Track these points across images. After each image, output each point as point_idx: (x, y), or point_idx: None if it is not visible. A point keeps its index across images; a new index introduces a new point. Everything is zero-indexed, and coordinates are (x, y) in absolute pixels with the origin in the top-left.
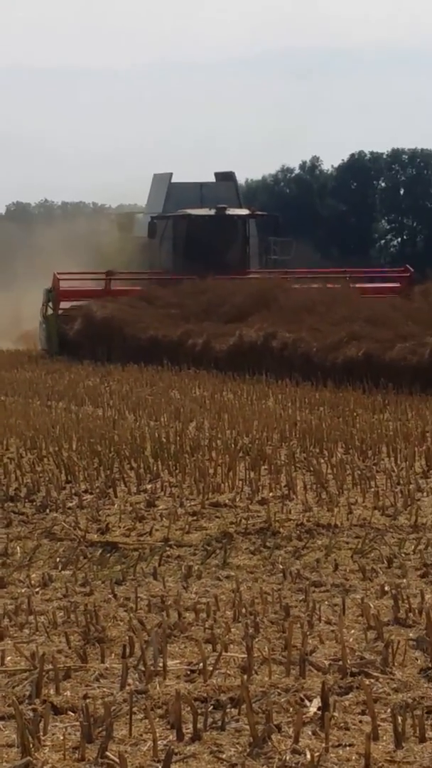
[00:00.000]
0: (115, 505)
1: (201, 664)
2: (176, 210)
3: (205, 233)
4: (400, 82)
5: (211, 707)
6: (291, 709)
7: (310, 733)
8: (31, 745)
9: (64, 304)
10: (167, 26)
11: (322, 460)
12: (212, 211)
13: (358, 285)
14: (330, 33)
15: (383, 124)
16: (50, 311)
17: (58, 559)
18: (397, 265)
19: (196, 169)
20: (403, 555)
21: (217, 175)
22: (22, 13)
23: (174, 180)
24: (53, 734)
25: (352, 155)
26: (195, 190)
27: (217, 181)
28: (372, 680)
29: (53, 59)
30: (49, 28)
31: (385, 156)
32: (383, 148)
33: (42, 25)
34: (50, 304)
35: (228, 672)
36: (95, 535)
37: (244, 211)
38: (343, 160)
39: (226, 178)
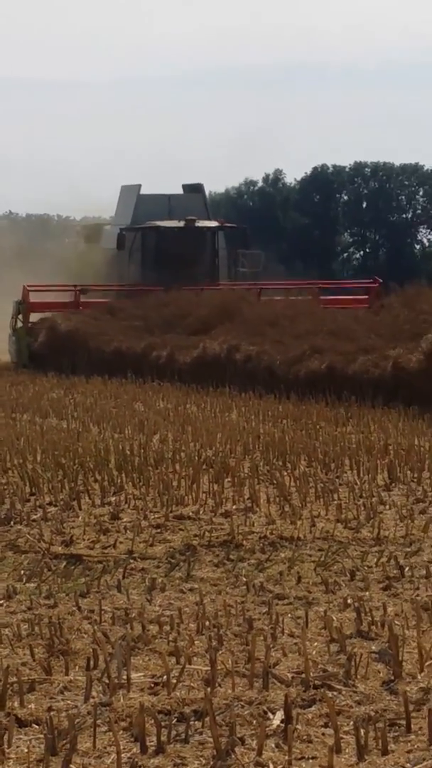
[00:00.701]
0: (80, 518)
1: (165, 677)
2: (145, 222)
3: (174, 245)
4: (363, 97)
5: (175, 720)
6: (254, 721)
7: (273, 745)
8: None
9: (34, 317)
10: (130, 41)
11: (285, 473)
12: (181, 223)
13: (328, 297)
14: (293, 49)
15: (346, 138)
16: (20, 323)
17: (22, 572)
18: (360, 277)
19: (162, 182)
20: (365, 568)
21: (185, 187)
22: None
23: (142, 192)
24: (17, 747)
25: (315, 168)
26: (163, 201)
27: (185, 193)
28: (335, 693)
29: (15, 70)
30: (12, 40)
31: (347, 169)
32: (346, 161)
33: (5, 37)
34: (20, 316)
35: (192, 684)
36: (59, 548)
37: (213, 223)
38: (306, 173)
39: (194, 189)
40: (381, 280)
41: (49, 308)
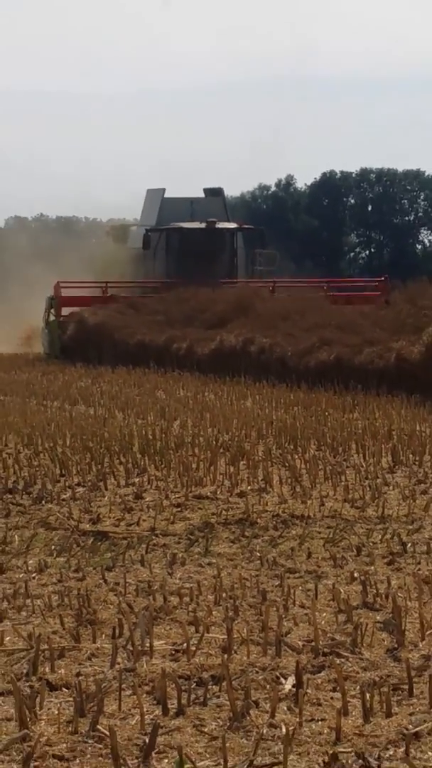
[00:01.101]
0: (106, 497)
1: (185, 645)
2: (169, 223)
3: (196, 245)
4: (369, 108)
5: (194, 684)
6: (268, 686)
7: (285, 708)
8: (28, 719)
9: (65, 311)
10: (154, 56)
11: (296, 456)
12: (203, 225)
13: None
14: (304, 63)
15: (353, 145)
16: (52, 317)
17: (53, 547)
18: (366, 275)
19: (185, 186)
20: (370, 544)
21: (206, 191)
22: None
23: (166, 195)
24: (48, 709)
25: (324, 174)
26: (186, 204)
27: (206, 197)
28: (342, 660)
29: (49, 84)
30: (42, 55)
31: (354, 175)
32: (352, 167)
33: (35, 52)
34: (52, 310)
35: (210, 652)
36: (87, 525)
37: (233, 225)
38: (315, 178)
39: (214, 193)
40: (387, 277)
41: (79, 303)
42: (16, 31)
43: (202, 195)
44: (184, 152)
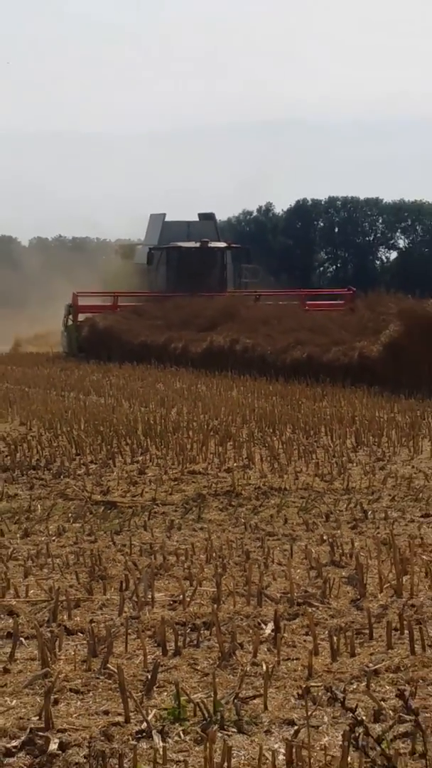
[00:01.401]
0: (114, 473)
1: (181, 596)
2: (169, 243)
3: (192, 261)
4: (336, 145)
5: (189, 629)
6: (251, 631)
7: (265, 649)
8: (49, 659)
9: (81, 317)
10: (155, 100)
11: (275, 438)
12: (198, 244)
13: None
14: (283, 109)
15: (322, 178)
16: (70, 322)
17: (69, 515)
18: (333, 286)
19: (182, 212)
20: (337, 512)
21: (200, 215)
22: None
23: (167, 219)
24: (66, 650)
25: (298, 201)
26: (184, 227)
27: (200, 220)
28: (313, 609)
29: (64, 125)
30: (62, 100)
31: (323, 202)
32: (322, 196)
33: (56, 97)
34: (70, 316)
35: (202, 602)
36: (99, 496)
37: (223, 244)
38: (290, 205)
39: (207, 218)
40: (354, 289)
41: (93, 310)
42: (39, 79)
43: (197, 219)
44: (181, 183)
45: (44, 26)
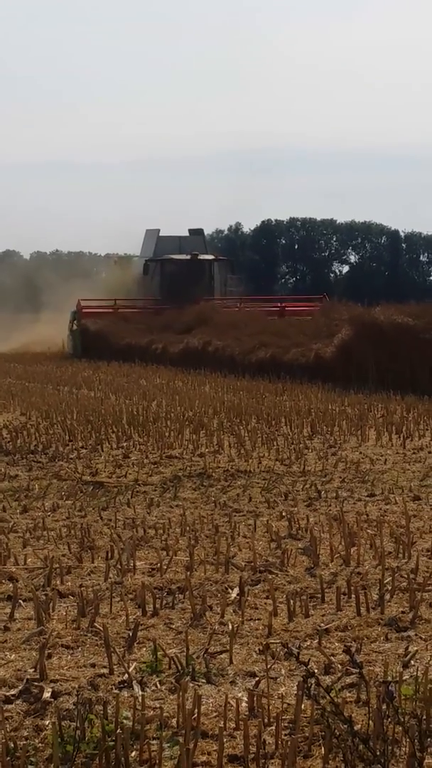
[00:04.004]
0: (102, 457)
1: (159, 564)
2: (162, 255)
3: (183, 272)
4: (294, 173)
5: (165, 593)
6: (219, 594)
7: (231, 611)
8: (44, 618)
9: (91, 321)
10: (148, 130)
11: (241, 427)
12: (188, 257)
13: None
14: (252, 142)
15: (283, 201)
16: (75, 327)
17: (63, 493)
18: (293, 294)
19: (174, 227)
20: (295, 491)
21: (190, 230)
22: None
23: (161, 234)
24: (59, 611)
25: (263, 222)
26: (176, 241)
27: (190, 235)
28: (273, 575)
29: (61, 155)
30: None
31: (285, 223)
32: (284, 217)
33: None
34: (75, 321)
35: (177, 570)
36: (88, 477)
37: (210, 257)
38: (257, 225)
39: (197, 233)
40: (327, 296)
41: (95, 316)
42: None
43: (187, 234)
44: (174, 203)
45: (42, 61)
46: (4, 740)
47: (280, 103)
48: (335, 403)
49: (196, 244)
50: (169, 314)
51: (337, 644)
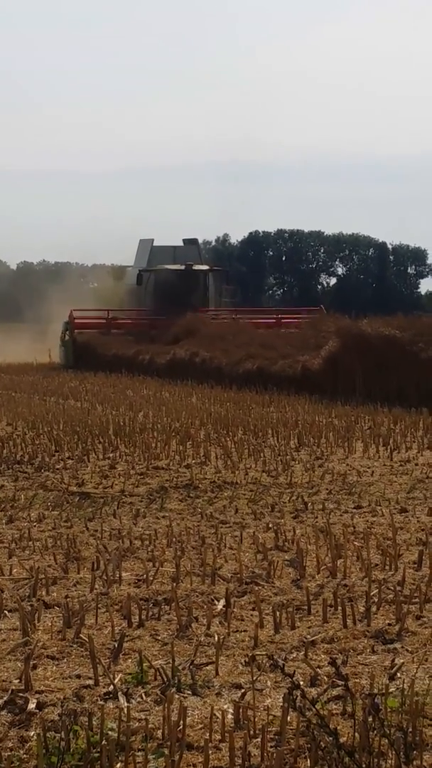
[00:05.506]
0: (88, 467)
1: (145, 575)
2: (156, 265)
3: (177, 282)
4: (281, 184)
5: (151, 604)
6: (205, 606)
7: (217, 622)
8: (29, 629)
9: (78, 332)
10: (132, 138)
11: (228, 439)
12: (182, 267)
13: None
14: (237, 153)
15: (270, 213)
16: (67, 337)
17: (49, 504)
18: (281, 306)
19: (168, 237)
20: (281, 503)
21: (184, 240)
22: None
23: (155, 244)
24: (44, 622)
25: (251, 233)
26: (170, 251)
27: (185, 245)
28: (259, 587)
29: (56, 164)
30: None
31: (272, 234)
32: (271, 228)
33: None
34: (67, 332)
35: (163, 581)
36: (74, 487)
37: (205, 267)
38: (244, 236)
39: (191, 242)
40: (323, 307)
41: (88, 327)
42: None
43: (181, 244)
44: (167, 212)
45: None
46: None
47: (267, 113)
48: (322, 415)
49: (190, 254)
50: (159, 325)
51: (323, 656)
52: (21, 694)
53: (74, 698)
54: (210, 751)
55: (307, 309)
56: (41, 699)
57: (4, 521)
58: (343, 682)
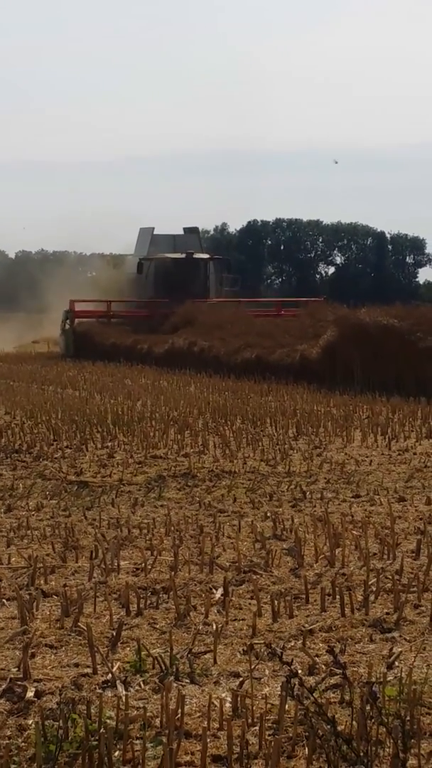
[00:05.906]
0: (87, 456)
1: (143, 564)
2: (157, 254)
3: (178, 271)
4: (278, 173)
5: (150, 593)
6: (203, 595)
7: (215, 611)
8: (27, 618)
9: (78, 322)
10: (129, 130)
11: (226, 428)
12: (183, 255)
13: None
14: (234, 141)
15: (269, 201)
16: (68, 326)
17: (47, 493)
18: (280, 295)
19: (168, 225)
20: (280, 492)
21: (185, 229)
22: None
23: (155, 232)
24: (42, 611)
25: (249, 222)
26: (170, 239)
27: (185, 234)
28: (257, 576)
29: (60, 154)
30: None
31: (271, 223)
32: (270, 217)
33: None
34: (68, 321)
35: (161, 570)
36: (73, 476)
37: (206, 255)
38: (243, 225)
39: (192, 231)
40: (326, 297)
41: (88, 316)
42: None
43: (182, 232)
44: (167, 201)
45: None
46: None
47: (265, 102)
48: (320, 404)
49: (190, 243)
50: (159, 315)
51: (321, 645)
52: (19, 683)
53: (72, 686)
54: (208, 740)
55: (309, 299)
56: (39, 687)
57: (2, 510)
58: (341, 671)
